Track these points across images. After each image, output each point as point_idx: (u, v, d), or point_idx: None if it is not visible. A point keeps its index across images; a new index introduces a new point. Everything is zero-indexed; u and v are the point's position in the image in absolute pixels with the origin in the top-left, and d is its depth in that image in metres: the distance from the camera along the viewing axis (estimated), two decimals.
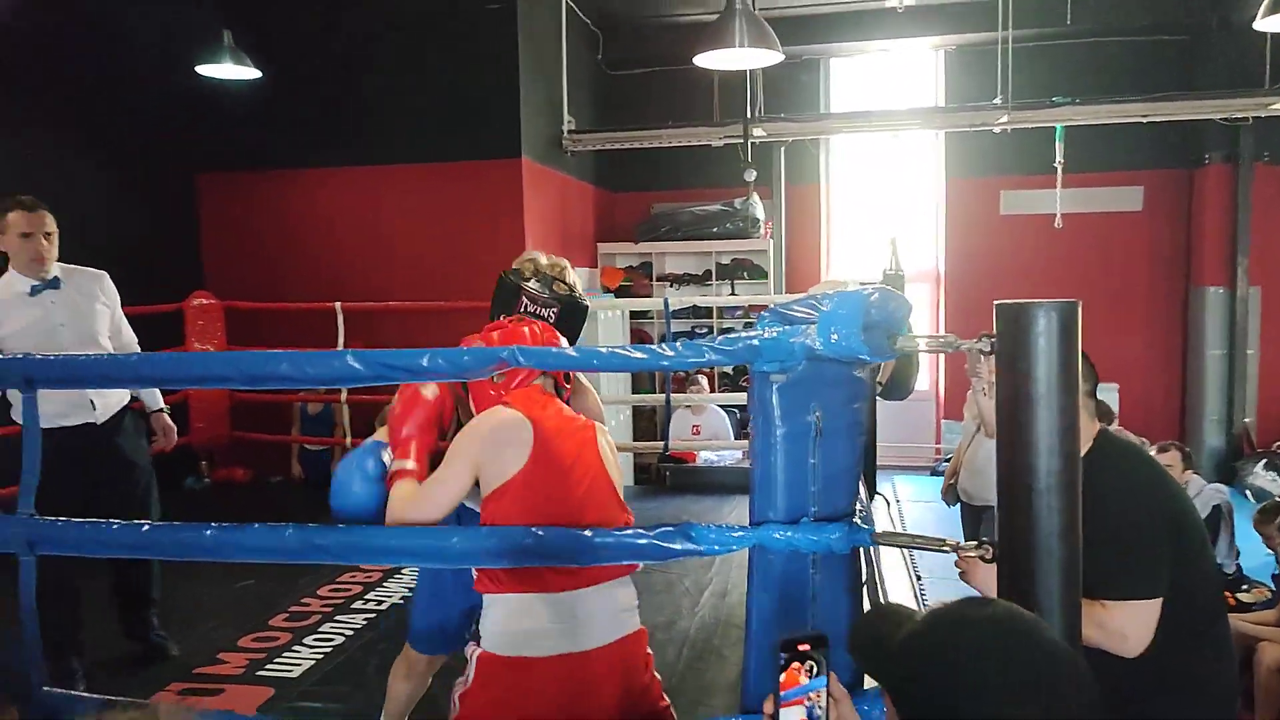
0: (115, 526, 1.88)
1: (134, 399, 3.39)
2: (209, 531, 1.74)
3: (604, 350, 1.50)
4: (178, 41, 5.50)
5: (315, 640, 3.42)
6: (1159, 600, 1.80)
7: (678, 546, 1.50)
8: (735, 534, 1.54)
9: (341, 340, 5.65)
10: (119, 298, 3.36)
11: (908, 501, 6.58)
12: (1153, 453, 4.36)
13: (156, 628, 3.32)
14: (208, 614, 3.66)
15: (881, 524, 5.39)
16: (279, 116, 6.12)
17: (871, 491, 5.69)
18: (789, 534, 1.48)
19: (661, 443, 5.76)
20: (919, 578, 4.67)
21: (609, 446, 1.82)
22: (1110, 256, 7.75)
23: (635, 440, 7.18)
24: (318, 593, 3.89)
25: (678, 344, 1.49)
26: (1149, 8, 7.03)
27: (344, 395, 5.73)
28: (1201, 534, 1.94)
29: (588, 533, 1.58)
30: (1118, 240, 7.71)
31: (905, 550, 4.44)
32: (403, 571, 4.10)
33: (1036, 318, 1.22)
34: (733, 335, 1.48)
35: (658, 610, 3.71)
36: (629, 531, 1.57)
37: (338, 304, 5.64)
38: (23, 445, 1.72)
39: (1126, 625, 1.79)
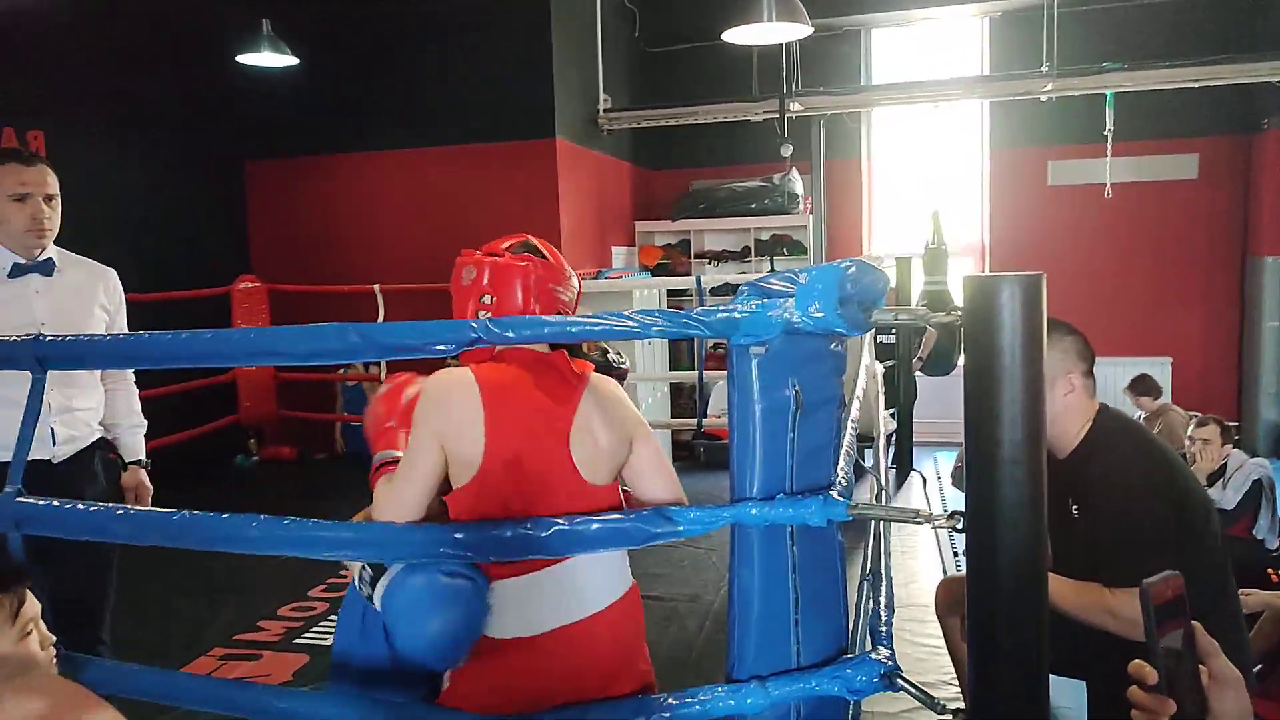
0: (94, 509, 1.94)
1: (106, 440, 2.57)
2: (176, 517, 1.75)
3: (584, 319, 1.52)
4: (220, 31, 5.65)
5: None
6: None
7: (659, 529, 1.53)
8: (715, 514, 1.56)
9: (382, 320, 5.77)
10: (124, 303, 2.61)
11: (948, 478, 6.50)
12: (1192, 427, 4.26)
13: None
14: (250, 584, 3.80)
15: (916, 501, 5.36)
16: (318, 103, 6.26)
17: (907, 468, 5.67)
18: (766, 509, 1.49)
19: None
20: (955, 554, 4.64)
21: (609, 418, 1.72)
22: (1164, 227, 7.52)
23: (673, 417, 7.22)
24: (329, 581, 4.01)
25: (656, 313, 1.50)
26: None
27: (382, 373, 5.86)
28: (1206, 509, 1.92)
29: (564, 522, 1.58)
30: (1172, 210, 7.48)
31: (935, 529, 4.40)
32: None
33: (1001, 290, 1.22)
34: (711, 307, 1.50)
35: (684, 584, 3.76)
36: (611, 517, 1.60)
37: (377, 286, 5.76)
38: (21, 427, 1.78)
39: (1136, 611, 1.78)
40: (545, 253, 1.82)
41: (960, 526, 1.33)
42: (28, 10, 4.86)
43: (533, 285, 1.78)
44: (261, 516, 1.60)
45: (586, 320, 1.53)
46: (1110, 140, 6.69)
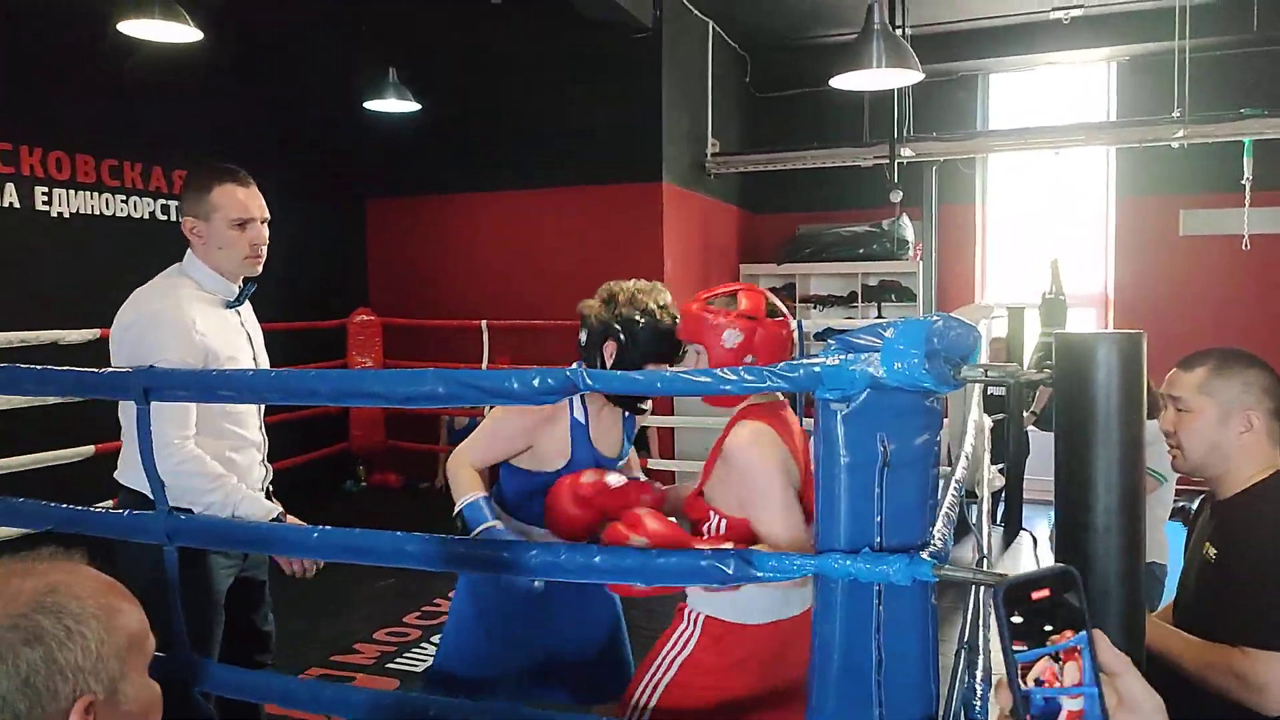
0: (240, 524, 2.07)
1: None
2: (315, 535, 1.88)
3: (668, 374, 1.53)
4: (348, 78, 5.99)
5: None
6: None
7: (731, 570, 1.51)
8: (795, 562, 1.53)
9: (486, 356, 5.94)
10: None
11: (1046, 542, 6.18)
12: None
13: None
14: (349, 608, 3.93)
15: (1025, 562, 5.11)
16: (437, 145, 6.54)
17: (1016, 527, 5.41)
18: (848, 563, 1.46)
19: None
20: None
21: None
22: None
23: None
24: (449, 594, 4.09)
25: (741, 370, 1.50)
26: None
27: (487, 409, 6.00)
28: None
29: (651, 554, 1.61)
30: None
31: None
32: None
33: (1097, 350, 1.17)
34: (795, 362, 1.48)
35: None
36: (691, 552, 1.60)
37: (483, 322, 5.93)
38: (141, 457, 1.89)
39: (1269, 677, 1.62)
40: (781, 310, 1.93)
41: None
42: (174, 54, 5.29)
43: (787, 344, 1.91)
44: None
45: (673, 378, 1.55)
46: (1249, 189, 6.31)
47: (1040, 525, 6.05)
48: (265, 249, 2.30)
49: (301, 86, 6.13)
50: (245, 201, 2.24)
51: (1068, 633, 0.65)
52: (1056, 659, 0.64)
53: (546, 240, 6.47)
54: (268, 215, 2.31)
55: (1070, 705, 0.64)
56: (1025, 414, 6.04)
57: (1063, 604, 0.65)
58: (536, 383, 1.56)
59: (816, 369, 1.45)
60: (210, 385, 1.97)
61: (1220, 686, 1.67)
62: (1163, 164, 6.93)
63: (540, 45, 6.35)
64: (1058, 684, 0.64)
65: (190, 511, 2.12)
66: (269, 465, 2.47)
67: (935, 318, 1.40)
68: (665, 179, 6.21)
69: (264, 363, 2.40)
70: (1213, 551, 1.80)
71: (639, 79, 6.18)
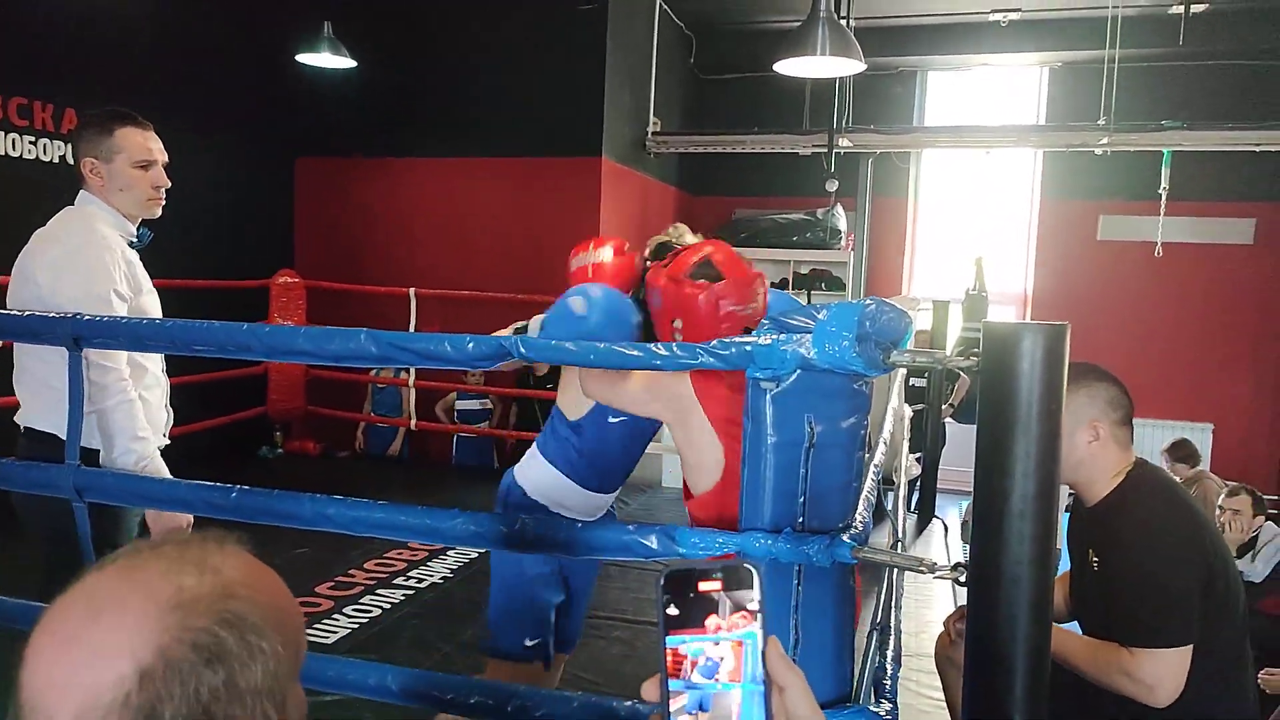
0: (152, 480, 2.00)
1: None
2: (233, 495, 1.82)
3: (601, 347, 1.51)
4: (282, 29, 5.77)
5: (355, 610, 3.55)
6: (1189, 648, 1.73)
7: (654, 545, 1.51)
8: (718, 540, 1.54)
9: (413, 324, 5.83)
10: None
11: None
12: (1223, 496, 4.13)
13: None
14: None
15: (935, 549, 5.25)
16: (371, 106, 6.36)
17: (929, 515, 5.56)
18: (769, 543, 1.47)
19: None
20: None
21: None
22: (1215, 289, 7.36)
23: None
24: (364, 565, 4.02)
25: (673, 346, 1.49)
26: (1265, 32, 6.64)
27: (411, 378, 5.90)
28: (1234, 579, 1.84)
29: (582, 527, 1.60)
30: (1224, 273, 7.32)
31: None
32: (446, 552, 4.21)
33: (1023, 339, 1.19)
34: (727, 340, 1.48)
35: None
36: (615, 526, 1.59)
37: (411, 290, 5.81)
38: (69, 403, 1.83)
39: (1155, 675, 1.72)
40: (722, 272, 1.85)
41: (963, 580, 1.29)
42: None
43: (714, 309, 1.82)
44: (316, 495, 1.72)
45: (606, 350, 1.53)
46: (1165, 199, 6.57)
47: (952, 514, 6.23)
48: (164, 192, 2.34)
49: (231, 34, 5.87)
50: (146, 143, 2.28)
51: (736, 627, 0.62)
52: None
53: (481, 210, 6.36)
54: (166, 158, 2.35)
55: (724, 702, 0.61)
56: (944, 406, 6.22)
57: (736, 600, 0.62)
58: (470, 347, 1.53)
59: (748, 348, 1.45)
60: (141, 336, 1.89)
61: (1115, 686, 1.77)
62: (1086, 170, 7.16)
63: (484, 11, 6.21)
64: (714, 678, 0.61)
65: (96, 453, 2.10)
66: (171, 410, 2.43)
67: (868, 302, 1.41)
68: (605, 154, 6.16)
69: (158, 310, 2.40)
70: (1095, 560, 1.89)
71: (583, 52, 6.10)
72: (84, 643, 0.63)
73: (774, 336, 1.46)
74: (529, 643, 2.18)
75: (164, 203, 2.34)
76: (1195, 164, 6.66)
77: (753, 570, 0.63)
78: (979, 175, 8.11)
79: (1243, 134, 6.25)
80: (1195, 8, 6.35)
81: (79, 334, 1.81)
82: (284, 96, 6.25)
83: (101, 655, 0.62)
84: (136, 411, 2.13)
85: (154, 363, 2.34)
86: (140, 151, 2.25)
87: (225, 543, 0.72)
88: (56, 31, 4.83)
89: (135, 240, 2.30)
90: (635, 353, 1.51)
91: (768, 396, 1.47)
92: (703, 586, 0.62)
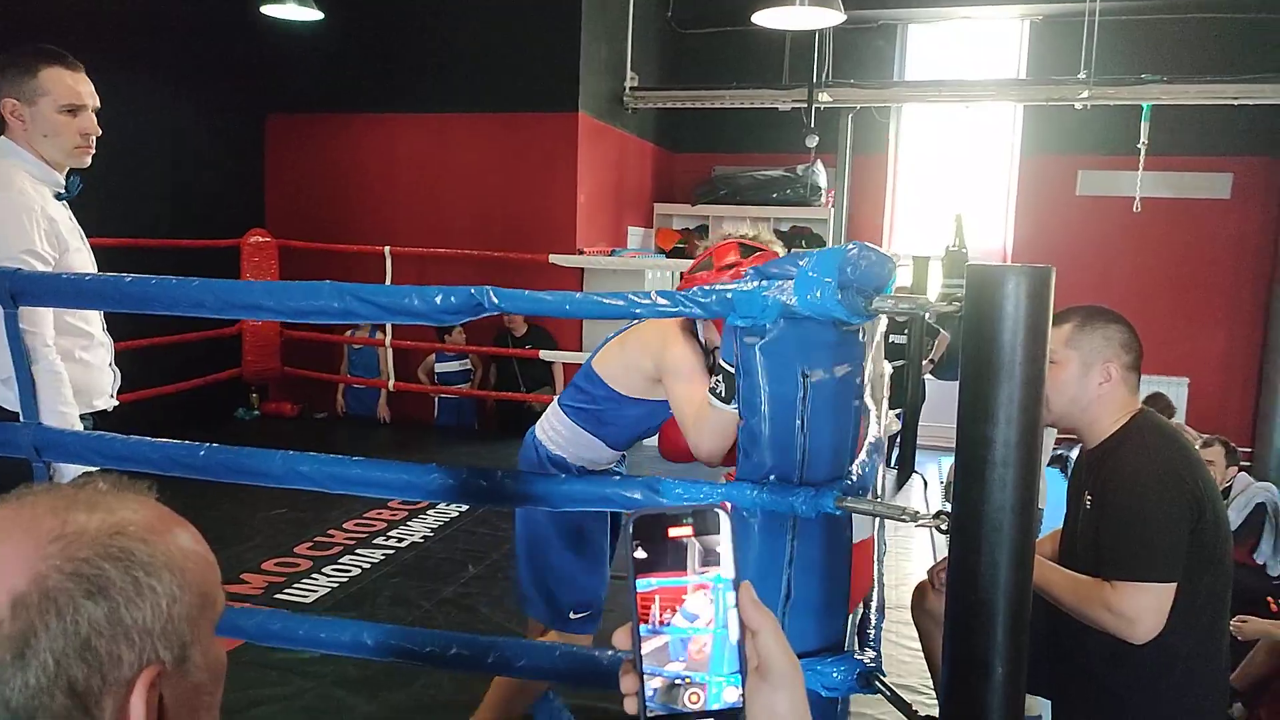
0: (117, 438, 1.94)
1: None
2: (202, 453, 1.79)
3: (577, 296, 1.48)
4: None
5: (334, 570, 3.53)
6: (1172, 585, 1.72)
7: (638, 496, 1.49)
8: (703, 491, 1.52)
9: (389, 283, 5.74)
10: None
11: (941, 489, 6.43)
12: (1197, 446, 4.17)
13: None
14: (240, 537, 3.79)
15: (915, 503, 5.30)
16: (341, 61, 6.21)
17: (908, 470, 5.60)
18: (755, 493, 1.45)
19: None
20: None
21: None
22: (1192, 244, 7.38)
23: None
24: (344, 525, 4.00)
25: (651, 293, 1.46)
26: None
27: (388, 338, 5.84)
28: (1224, 527, 1.84)
29: (554, 482, 1.58)
30: (1201, 228, 7.34)
31: (932, 531, 4.35)
32: (426, 512, 4.19)
33: (1006, 281, 1.16)
34: (708, 287, 1.45)
35: None
36: (597, 479, 1.57)
37: (386, 248, 5.72)
38: (14, 363, 1.77)
39: (1136, 608, 1.72)
40: (758, 245, 1.91)
41: (944, 528, 1.28)
42: None
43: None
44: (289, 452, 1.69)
45: (583, 299, 1.50)
46: (1144, 154, 6.55)
47: (930, 469, 6.28)
48: (95, 140, 2.14)
49: None
50: (75, 86, 2.08)
51: (708, 571, 0.61)
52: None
53: (456, 167, 6.25)
54: (98, 103, 2.15)
55: (695, 646, 0.61)
56: (924, 362, 6.23)
57: (705, 545, 0.61)
58: (439, 300, 1.49)
59: (729, 295, 1.42)
60: (83, 292, 1.83)
61: (1096, 620, 1.76)
62: (1066, 124, 7.13)
63: None
64: (685, 622, 0.60)
65: (15, 416, 1.98)
66: (117, 370, 2.32)
67: (850, 247, 1.38)
68: (581, 110, 6.05)
69: (95, 267, 2.24)
70: (1089, 498, 1.88)
71: (558, 4, 5.96)
72: None
73: (755, 283, 1.43)
74: (574, 615, 2.12)
75: (93, 151, 2.14)
76: (1174, 118, 6.63)
77: (720, 514, 0.62)
78: (959, 131, 8.06)
79: (1221, 87, 6.23)
80: None
81: (16, 289, 1.74)
82: (252, 51, 6.08)
83: None
84: (61, 383, 2.00)
85: (94, 323, 2.21)
86: (67, 95, 2.06)
87: (127, 489, 0.70)
88: None
89: (64, 192, 2.13)
90: (616, 302, 1.47)
91: (756, 349, 1.44)
92: (673, 532, 0.61)
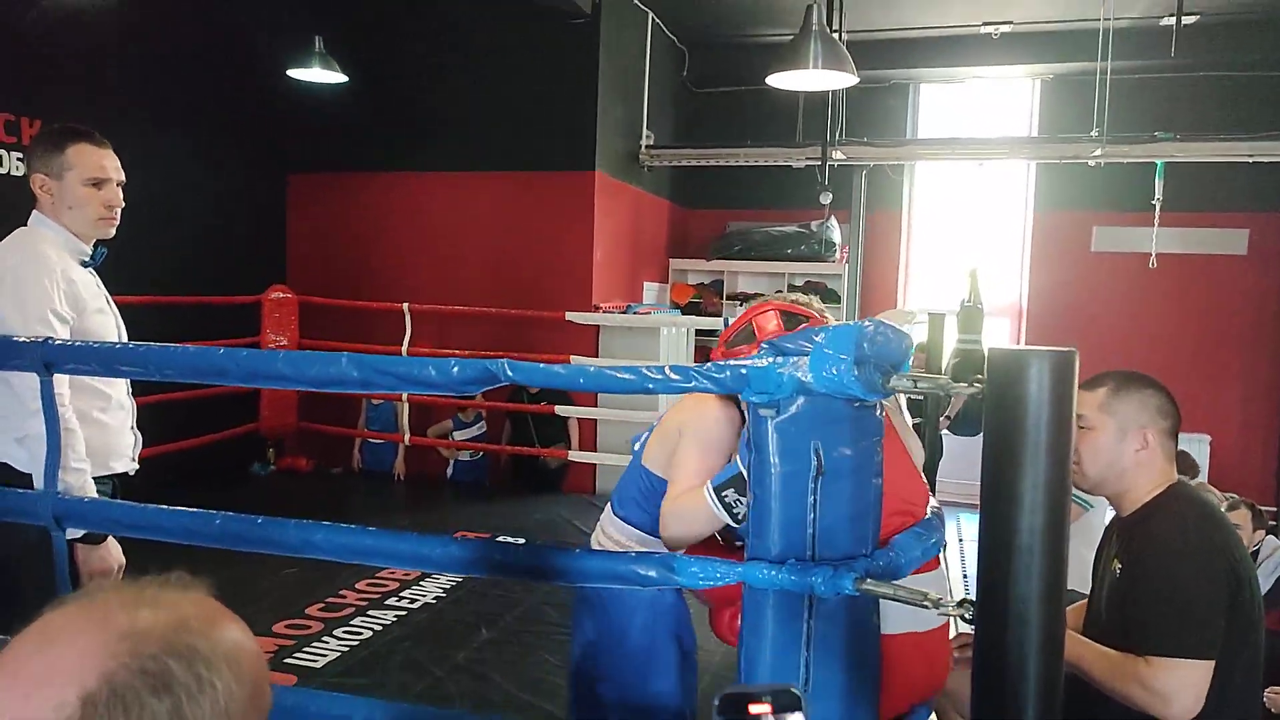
0: (137, 506, 1.94)
1: None
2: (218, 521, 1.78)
3: (591, 370, 1.48)
4: (274, 43, 5.74)
5: (345, 632, 3.48)
6: (1210, 664, 1.67)
7: (654, 574, 1.46)
8: (719, 570, 1.49)
9: (407, 340, 5.79)
10: None
11: (970, 541, 6.34)
12: (1223, 509, 4.09)
13: None
14: (250, 597, 3.75)
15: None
16: (364, 121, 6.33)
17: None
18: (773, 573, 1.42)
19: None
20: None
21: None
22: (1209, 300, 7.34)
23: None
24: (356, 586, 3.96)
25: (665, 368, 1.45)
26: (1257, 43, 6.64)
27: (404, 394, 5.84)
28: (1258, 600, 1.80)
29: (575, 554, 1.56)
30: (1218, 284, 7.31)
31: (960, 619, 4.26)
32: (440, 573, 4.15)
33: (1029, 365, 1.15)
34: (723, 363, 1.44)
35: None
36: (606, 554, 1.55)
37: (405, 305, 5.77)
38: (46, 430, 1.79)
39: (1172, 686, 1.65)
40: (802, 313, 1.91)
41: (968, 617, 1.25)
42: (85, 6, 4.98)
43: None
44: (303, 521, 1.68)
45: (596, 373, 1.49)
46: (1158, 210, 6.56)
47: (949, 526, 6.19)
48: (119, 212, 2.26)
49: (222, 50, 5.84)
50: (100, 161, 2.21)
51: None
52: None
53: (475, 225, 6.32)
54: (123, 178, 2.28)
55: None
56: (940, 418, 6.18)
57: None
58: (455, 371, 1.49)
59: (744, 371, 1.41)
60: (113, 361, 1.84)
61: (1128, 696, 1.70)
62: (1079, 181, 7.15)
63: (475, 25, 6.19)
64: None
65: (28, 478, 2.05)
66: (138, 433, 2.36)
67: (867, 323, 1.37)
68: (598, 168, 6.13)
69: (123, 327, 2.34)
70: (1118, 566, 1.84)
71: (575, 66, 6.08)
72: (31, 671, 0.63)
73: (770, 360, 1.42)
74: None
75: (117, 222, 2.25)
76: (1188, 175, 6.65)
77: (799, 695, 0.69)
78: (973, 187, 8.10)
79: (1235, 145, 6.25)
80: (1186, 19, 6.34)
81: (50, 359, 1.77)
82: (277, 112, 6.22)
83: (46, 682, 0.62)
84: (75, 441, 2.05)
85: (117, 387, 2.27)
86: (92, 169, 2.18)
87: (188, 585, 0.73)
88: (43, 45, 4.79)
89: (89, 260, 2.23)
90: (627, 375, 1.47)
91: (770, 425, 1.43)
92: (753, 709, 0.68)
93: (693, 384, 1.41)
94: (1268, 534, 4.17)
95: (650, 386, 1.44)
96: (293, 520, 1.74)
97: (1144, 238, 6.81)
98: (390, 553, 1.68)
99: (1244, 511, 3.95)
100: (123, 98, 5.15)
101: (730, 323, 2.07)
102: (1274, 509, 6.89)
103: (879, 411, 1.53)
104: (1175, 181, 6.56)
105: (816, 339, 1.38)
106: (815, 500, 1.44)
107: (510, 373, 1.47)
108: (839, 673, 1.43)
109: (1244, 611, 1.73)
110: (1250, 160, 6.25)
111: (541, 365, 1.48)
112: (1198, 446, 6.95)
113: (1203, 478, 6.03)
